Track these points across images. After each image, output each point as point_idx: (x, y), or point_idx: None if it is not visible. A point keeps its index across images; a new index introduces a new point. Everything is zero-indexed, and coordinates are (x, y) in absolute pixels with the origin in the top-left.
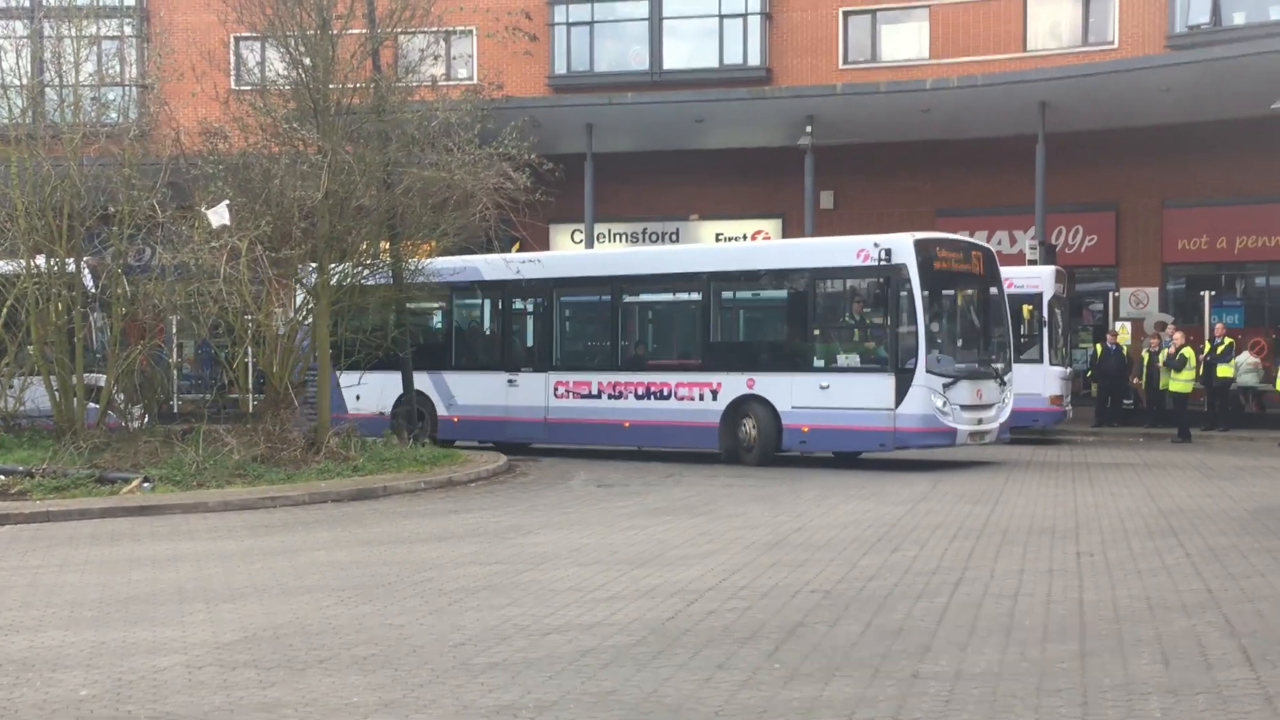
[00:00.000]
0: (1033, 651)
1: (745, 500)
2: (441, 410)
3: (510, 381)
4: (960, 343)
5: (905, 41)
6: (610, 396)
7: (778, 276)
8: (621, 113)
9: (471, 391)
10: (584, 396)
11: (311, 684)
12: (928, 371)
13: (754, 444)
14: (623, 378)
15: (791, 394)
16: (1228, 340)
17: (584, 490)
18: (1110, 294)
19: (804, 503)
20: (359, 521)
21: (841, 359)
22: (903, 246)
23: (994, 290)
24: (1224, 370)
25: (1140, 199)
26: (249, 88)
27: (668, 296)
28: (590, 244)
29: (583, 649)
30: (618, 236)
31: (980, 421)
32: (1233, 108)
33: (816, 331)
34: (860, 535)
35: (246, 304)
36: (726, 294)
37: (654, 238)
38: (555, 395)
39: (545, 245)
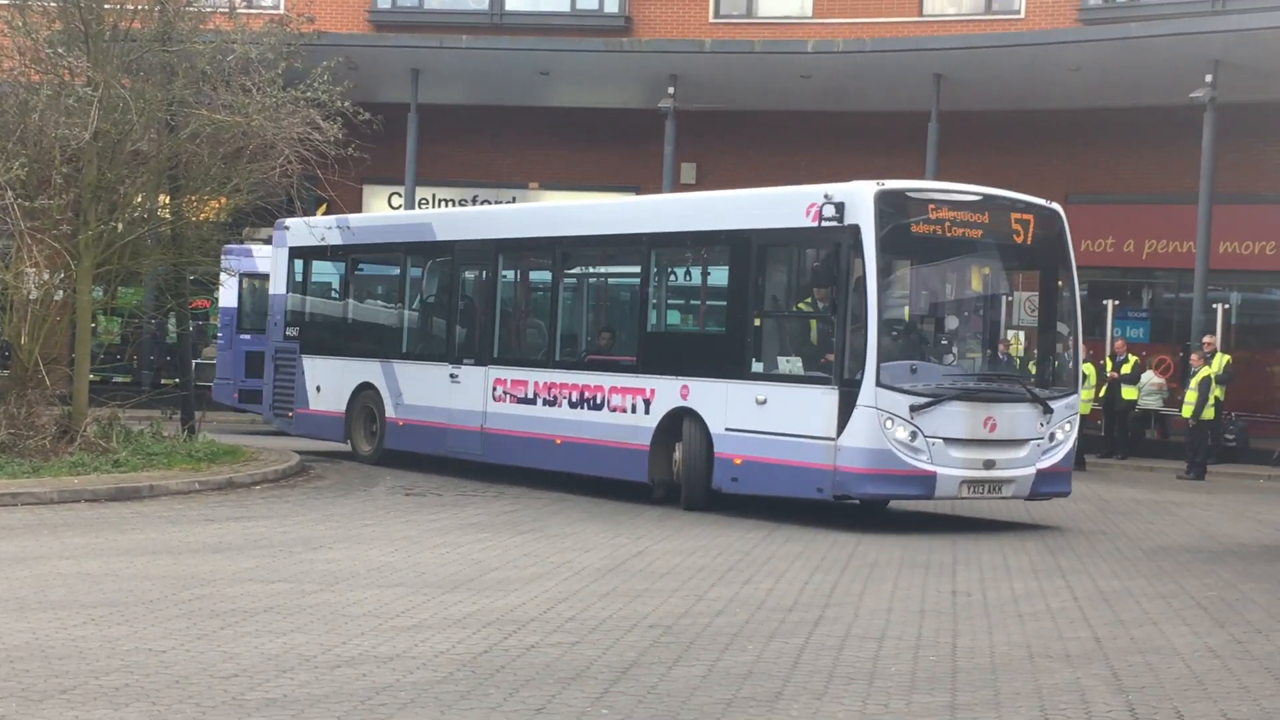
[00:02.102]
0: (897, 703)
1: (578, 518)
2: (390, 411)
3: (452, 377)
4: (958, 346)
5: None
6: (545, 402)
7: (712, 242)
8: (454, 58)
9: (418, 388)
10: (520, 400)
11: (50, 718)
12: (880, 385)
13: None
14: (558, 377)
15: (726, 409)
16: (1132, 359)
17: (389, 499)
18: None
19: (646, 522)
20: (118, 526)
21: (783, 363)
22: (859, 200)
23: (1051, 269)
24: (1129, 392)
25: (1042, 191)
26: (5, 2)
27: (606, 268)
28: (411, 209)
29: (378, 685)
30: (443, 202)
31: (990, 465)
32: (1149, 94)
33: (757, 321)
34: (709, 563)
35: None
36: (664, 264)
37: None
38: (494, 398)
39: (357, 208)
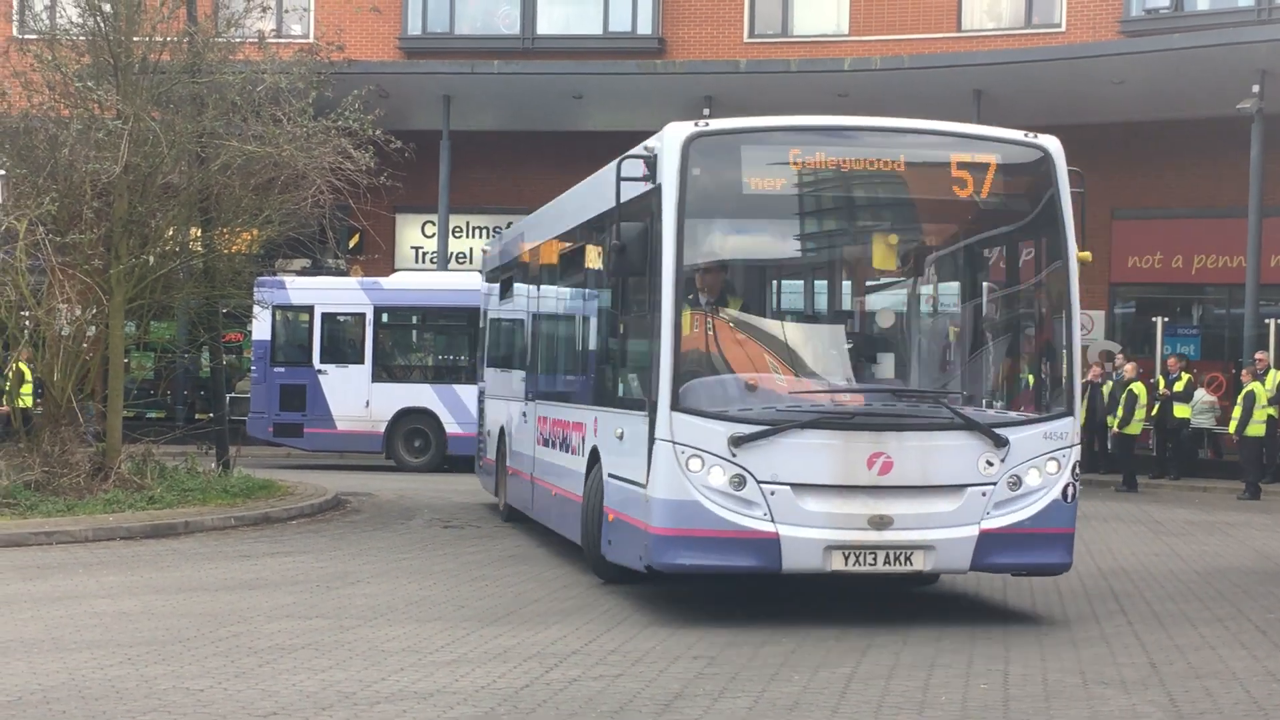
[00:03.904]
0: None
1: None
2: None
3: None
4: (827, 350)
5: (821, 14)
6: (541, 441)
7: (569, 240)
8: (485, 83)
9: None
10: (549, 444)
11: None
12: (678, 410)
13: None
14: (549, 411)
15: (606, 446)
16: (1186, 376)
17: (426, 532)
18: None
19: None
20: (154, 564)
21: (631, 381)
22: (666, 150)
23: (1026, 234)
24: (1182, 410)
25: (1087, 208)
26: (35, 36)
27: (542, 292)
28: (444, 237)
29: None
30: (477, 231)
31: (883, 524)
32: (1194, 106)
33: (620, 328)
34: (756, 590)
35: (24, 297)
36: (550, 277)
37: None
38: (539, 441)
39: (390, 237)
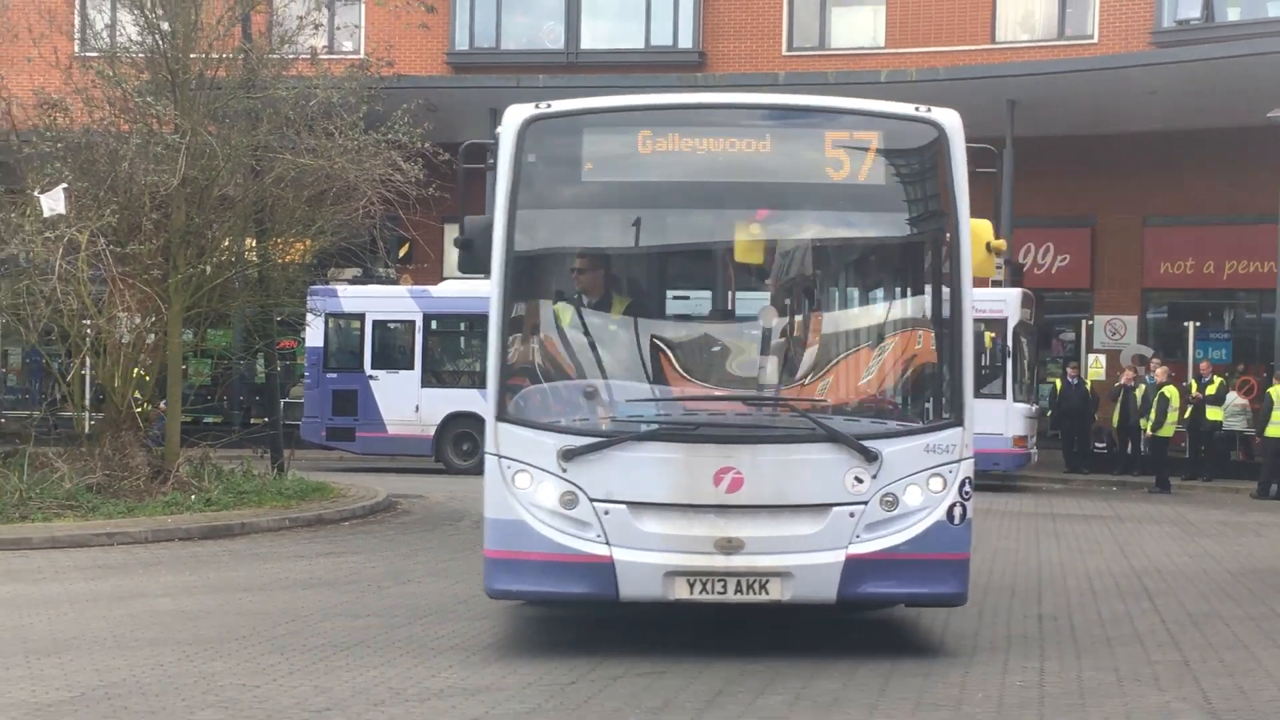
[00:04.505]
0: None
1: None
2: None
3: None
4: (683, 352)
5: (859, 27)
6: None
7: None
8: (531, 97)
9: None
10: None
11: None
12: (504, 420)
13: None
14: None
15: None
16: (1218, 380)
17: (475, 533)
18: (1084, 321)
19: None
20: (211, 564)
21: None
22: (505, 131)
23: (910, 219)
24: (1214, 413)
25: (1119, 215)
26: (96, 54)
27: None
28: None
29: (467, 717)
30: None
31: (732, 548)
32: (1225, 115)
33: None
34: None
35: (85, 306)
36: None
37: None
38: None
39: (439, 247)
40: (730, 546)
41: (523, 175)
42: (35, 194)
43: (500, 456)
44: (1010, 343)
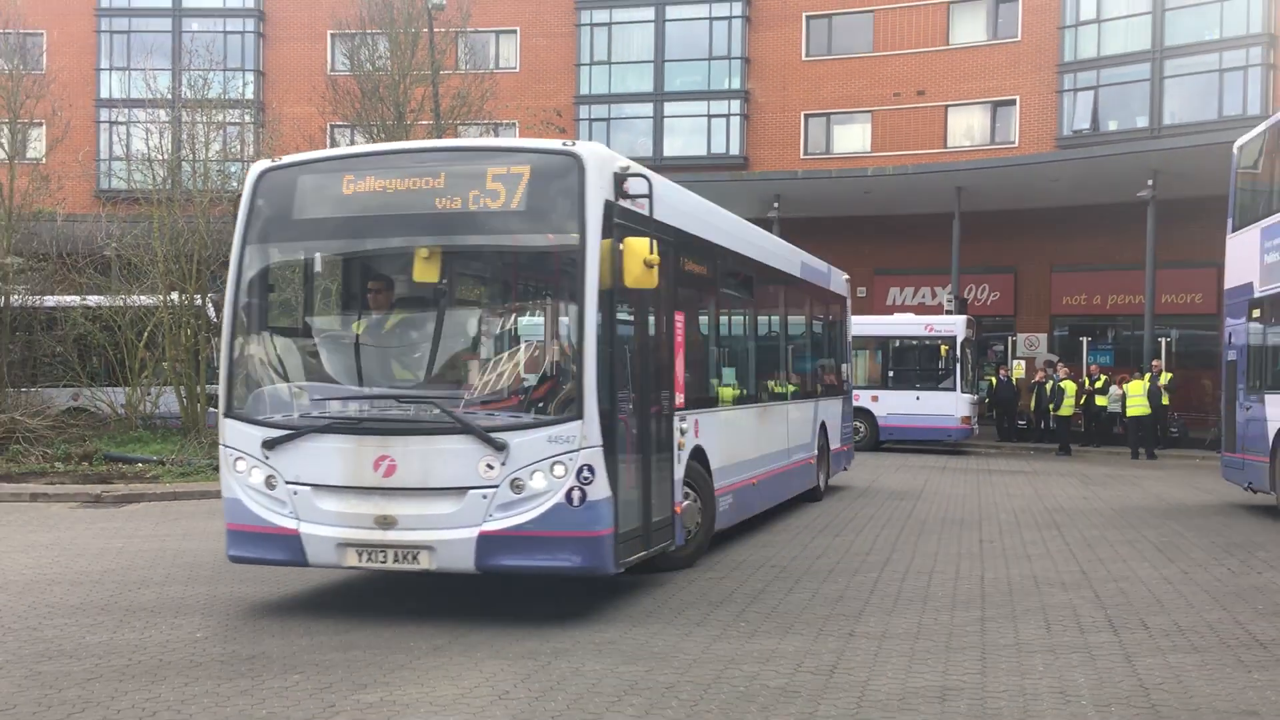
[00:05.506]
0: (943, 617)
1: None
2: None
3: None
4: (358, 358)
5: (852, 138)
6: None
7: None
8: None
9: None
10: None
11: None
12: (229, 416)
13: None
14: None
15: None
16: (1103, 377)
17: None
18: (1009, 338)
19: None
20: None
21: None
22: (248, 178)
23: (553, 238)
24: (1101, 400)
25: (1034, 264)
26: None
27: None
28: None
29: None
30: None
31: (388, 524)
32: (1107, 194)
33: None
34: (810, 523)
35: None
36: None
37: None
38: None
39: None
40: (387, 523)
41: (252, 215)
42: None
43: (226, 446)
44: (959, 353)
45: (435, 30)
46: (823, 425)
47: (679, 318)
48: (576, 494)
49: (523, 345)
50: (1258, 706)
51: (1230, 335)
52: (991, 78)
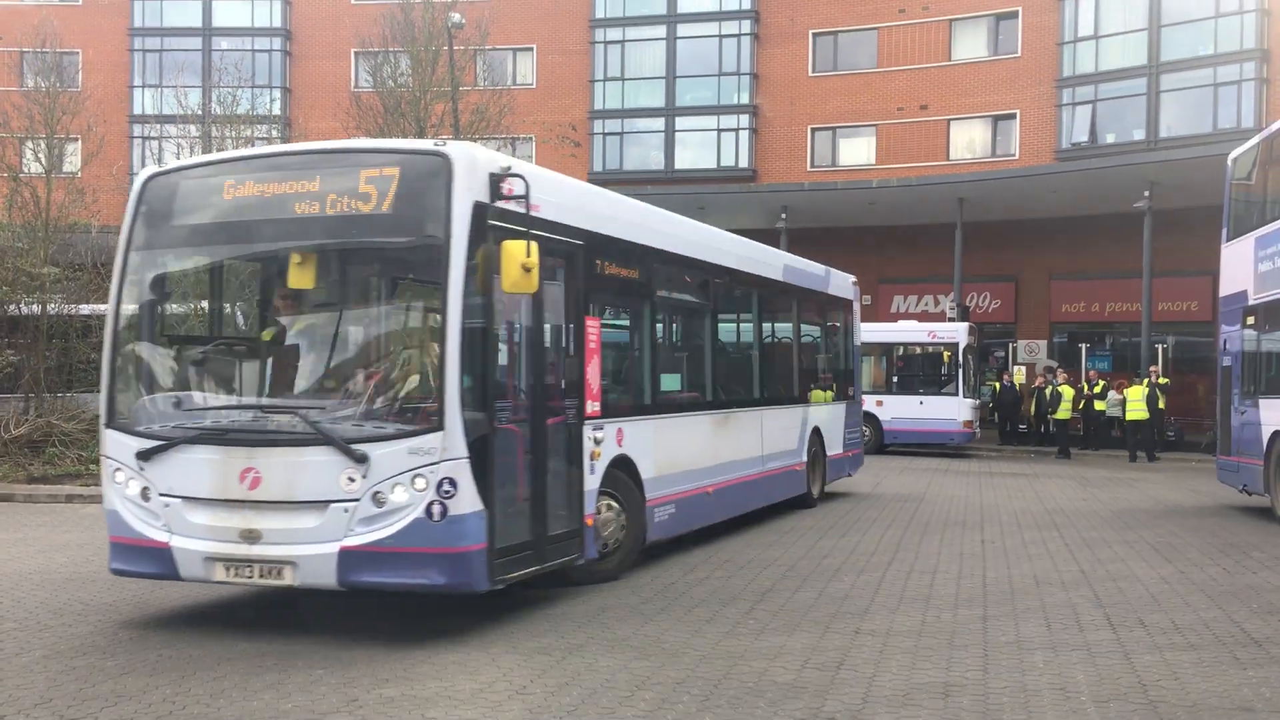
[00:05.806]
0: (946, 615)
1: None
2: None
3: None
4: (231, 367)
5: (858, 151)
6: None
7: None
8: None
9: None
10: None
11: None
12: (108, 426)
13: None
14: None
15: None
16: (1102, 383)
17: None
18: (1010, 344)
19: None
20: None
21: None
22: (135, 184)
23: (425, 241)
24: (1100, 405)
25: (1034, 273)
26: None
27: None
28: None
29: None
30: None
31: (253, 538)
32: (1104, 205)
33: None
34: (815, 524)
35: None
36: None
37: None
38: None
39: None
40: (251, 536)
41: (137, 220)
42: None
43: (106, 456)
44: (961, 359)
45: (455, 48)
46: (815, 430)
47: (591, 323)
48: (437, 508)
49: (392, 353)
50: (1253, 702)
51: (1225, 342)
52: (992, 92)
